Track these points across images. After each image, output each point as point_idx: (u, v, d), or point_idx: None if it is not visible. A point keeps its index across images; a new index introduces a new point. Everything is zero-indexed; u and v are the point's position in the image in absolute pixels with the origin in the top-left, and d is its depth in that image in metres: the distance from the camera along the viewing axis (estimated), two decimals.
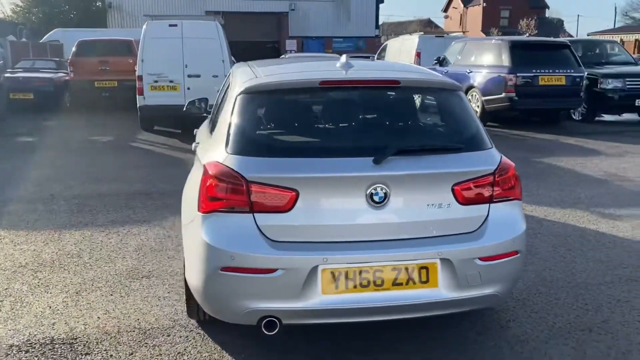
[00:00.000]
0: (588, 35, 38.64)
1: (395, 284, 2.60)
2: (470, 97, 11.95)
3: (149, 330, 3.21)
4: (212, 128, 3.39)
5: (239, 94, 2.87)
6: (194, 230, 2.72)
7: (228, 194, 2.59)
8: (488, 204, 2.74)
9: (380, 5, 34.86)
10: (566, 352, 2.98)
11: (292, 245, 2.57)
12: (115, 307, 3.49)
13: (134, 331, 3.19)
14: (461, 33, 21.31)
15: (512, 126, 11.58)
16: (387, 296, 2.60)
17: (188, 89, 10.26)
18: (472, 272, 2.65)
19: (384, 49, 18.46)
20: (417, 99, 3.03)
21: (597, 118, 12.65)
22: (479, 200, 2.71)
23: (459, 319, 3.24)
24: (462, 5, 57.84)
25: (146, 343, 3.07)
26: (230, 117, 2.84)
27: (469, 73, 12.13)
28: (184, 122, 11.09)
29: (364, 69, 3.17)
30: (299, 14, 32.32)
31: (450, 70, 12.71)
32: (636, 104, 12.13)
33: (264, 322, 2.61)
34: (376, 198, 2.57)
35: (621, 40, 24.68)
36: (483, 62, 11.94)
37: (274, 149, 2.72)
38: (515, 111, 11.64)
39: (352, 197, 2.58)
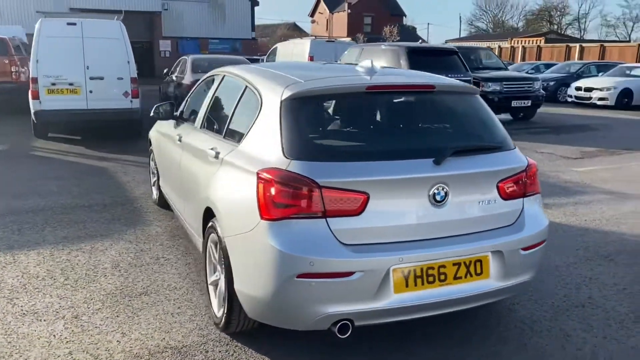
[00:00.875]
0: (446, 42, 42.02)
1: (456, 277, 2.76)
2: None
3: (182, 348, 3.04)
4: (232, 135, 3.29)
5: (286, 99, 2.84)
6: (257, 239, 2.65)
7: (299, 200, 2.57)
8: (522, 199, 3.01)
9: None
10: (575, 326, 3.36)
11: (366, 247, 2.62)
12: (130, 328, 3.25)
13: (166, 351, 3.01)
14: (349, 39, 22.10)
15: None
16: (450, 290, 2.75)
17: (90, 92, 9.56)
18: (516, 261, 2.90)
19: (274, 52, 18.54)
20: (449, 102, 3.21)
21: None
22: (516, 195, 2.97)
23: (476, 310, 3.47)
24: (328, 11, 59.82)
25: None
26: (277, 122, 2.80)
27: None
28: (86, 127, 10.36)
29: (389, 75, 3.28)
30: (173, 14, 31.32)
31: None
32: (512, 105, 13.60)
33: (338, 326, 2.63)
34: (438, 197, 2.71)
35: None
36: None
37: (339, 153, 2.74)
38: None
39: (416, 198, 2.70)
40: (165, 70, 13.17)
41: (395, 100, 3.10)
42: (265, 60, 18.59)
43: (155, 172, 5.58)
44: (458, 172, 2.76)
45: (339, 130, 3.06)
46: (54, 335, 3.15)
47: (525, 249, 2.93)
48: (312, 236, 2.58)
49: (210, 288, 3.38)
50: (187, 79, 11.07)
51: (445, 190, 2.72)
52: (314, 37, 18.77)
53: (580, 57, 26.85)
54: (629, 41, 42.47)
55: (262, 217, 2.63)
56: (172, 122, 4.80)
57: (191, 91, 4.75)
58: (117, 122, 9.95)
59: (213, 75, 4.31)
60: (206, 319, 3.36)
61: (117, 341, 3.10)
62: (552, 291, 3.85)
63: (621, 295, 3.82)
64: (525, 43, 32.57)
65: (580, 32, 56.59)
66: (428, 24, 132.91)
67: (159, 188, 5.48)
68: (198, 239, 3.68)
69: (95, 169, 7.65)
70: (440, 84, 3.10)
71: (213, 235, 3.20)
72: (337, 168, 2.62)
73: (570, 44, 28.99)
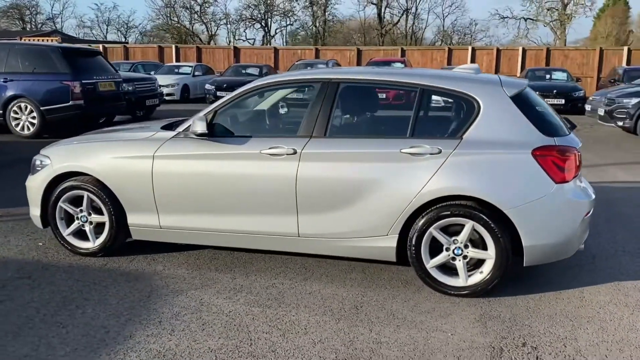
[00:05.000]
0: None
1: None
2: (17, 109, 10.74)
3: (492, 319, 3.44)
4: (429, 133, 3.72)
5: (514, 95, 3.70)
6: (556, 199, 3.50)
7: (575, 164, 3.62)
8: None
9: None
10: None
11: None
12: (434, 332, 3.30)
13: (496, 318, 3.37)
14: None
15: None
16: None
17: None
18: None
19: None
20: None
21: None
22: None
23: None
24: None
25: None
26: (518, 113, 3.63)
27: (5, 82, 10.79)
28: None
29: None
30: None
31: None
32: (146, 104, 14.06)
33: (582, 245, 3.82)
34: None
35: None
36: (28, 69, 10.81)
37: (561, 129, 3.78)
38: (82, 118, 11.28)
39: None
40: None
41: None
42: None
43: (103, 212, 4.26)
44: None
45: (537, 113, 3.95)
46: None
47: None
48: (582, 186, 3.70)
49: (432, 270, 3.71)
50: None
51: None
52: None
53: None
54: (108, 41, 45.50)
55: (556, 182, 3.51)
56: (186, 142, 4.05)
57: (223, 105, 4.08)
58: None
59: (287, 85, 4.30)
60: (449, 300, 3.68)
61: (447, 338, 3.20)
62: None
63: None
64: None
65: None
66: None
67: (112, 230, 4.27)
68: (373, 240, 3.78)
69: None
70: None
71: (444, 221, 3.62)
72: (570, 139, 3.75)
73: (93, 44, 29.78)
